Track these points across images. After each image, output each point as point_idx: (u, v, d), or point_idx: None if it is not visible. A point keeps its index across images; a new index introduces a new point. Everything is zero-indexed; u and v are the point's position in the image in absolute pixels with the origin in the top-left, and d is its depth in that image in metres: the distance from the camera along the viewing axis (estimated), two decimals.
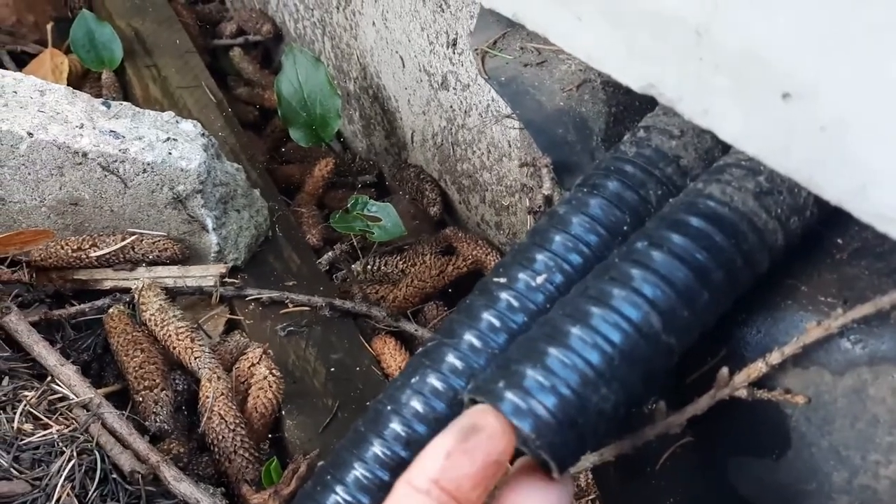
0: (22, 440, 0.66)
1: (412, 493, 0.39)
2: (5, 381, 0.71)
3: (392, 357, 0.87)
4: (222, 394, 0.76)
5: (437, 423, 0.50)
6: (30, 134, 0.80)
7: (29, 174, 0.82)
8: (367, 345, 0.89)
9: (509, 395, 0.43)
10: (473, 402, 0.46)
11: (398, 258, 1.01)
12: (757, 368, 0.49)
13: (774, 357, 0.48)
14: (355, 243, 1.02)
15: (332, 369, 0.86)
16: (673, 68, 0.46)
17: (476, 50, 0.66)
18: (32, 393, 0.70)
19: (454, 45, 0.89)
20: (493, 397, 0.44)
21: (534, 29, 0.56)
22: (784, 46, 0.40)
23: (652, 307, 0.45)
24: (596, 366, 0.44)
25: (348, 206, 0.99)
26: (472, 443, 0.40)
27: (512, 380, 0.44)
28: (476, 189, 1.00)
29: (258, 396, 0.78)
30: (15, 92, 0.84)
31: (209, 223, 0.88)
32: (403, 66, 1.03)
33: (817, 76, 0.39)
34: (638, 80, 0.49)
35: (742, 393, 0.49)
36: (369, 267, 0.99)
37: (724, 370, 0.50)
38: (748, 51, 0.42)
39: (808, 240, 0.52)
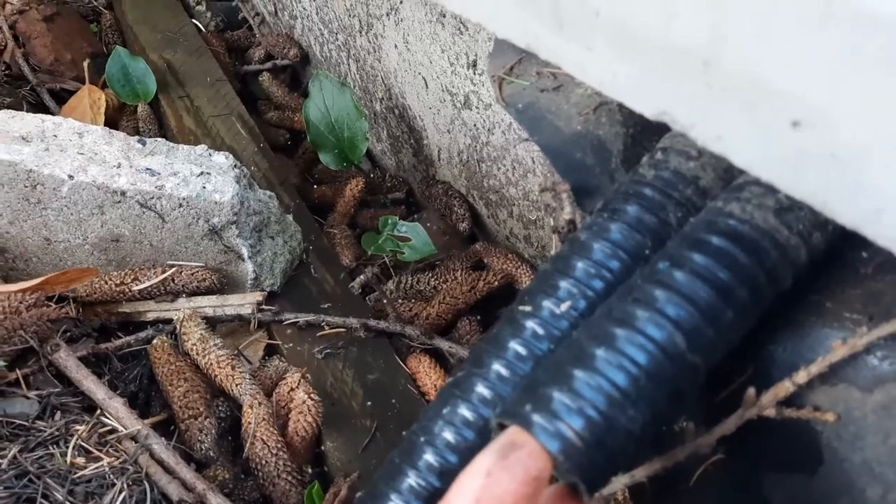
0: (75, 474, 0.69)
1: None
2: (57, 415, 0.75)
3: (427, 375, 0.88)
4: (264, 419, 0.78)
5: (468, 453, 0.51)
6: (70, 176, 0.83)
7: (71, 215, 0.85)
8: (402, 363, 0.91)
9: (537, 417, 0.44)
10: (501, 426, 0.47)
11: (430, 275, 1.02)
12: (784, 388, 0.49)
13: (801, 376, 0.48)
14: (387, 262, 1.04)
15: (370, 389, 0.87)
16: (683, 96, 0.47)
17: (493, 77, 0.67)
18: (83, 427, 0.73)
19: (474, 66, 0.90)
20: (521, 420, 0.44)
21: (546, 58, 0.57)
22: (791, 76, 0.40)
23: (676, 327, 0.46)
24: (622, 387, 0.44)
25: (378, 227, 1.01)
26: (511, 459, 0.39)
27: (539, 403, 0.45)
28: (503, 204, 1.01)
29: (298, 420, 0.80)
30: (55, 136, 0.87)
31: (245, 252, 0.91)
32: (427, 86, 1.04)
33: (826, 104, 0.39)
34: (650, 108, 0.50)
35: (770, 412, 0.50)
36: (402, 285, 1.01)
37: (751, 390, 0.50)
38: (755, 80, 0.42)
39: (832, 255, 0.52)
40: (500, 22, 0.59)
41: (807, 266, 0.51)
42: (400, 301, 1.00)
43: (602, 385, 0.45)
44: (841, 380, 0.49)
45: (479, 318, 1.00)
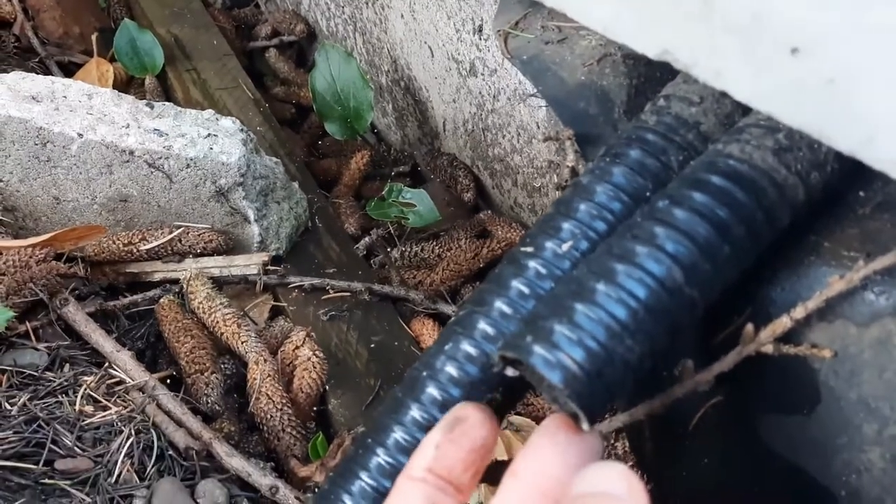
0: (84, 421, 0.70)
1: (411, 482, 0.43)
2: (66, 367, 0.76)
3: (430, 337, 0.89)
4: (269, 375, 0.79)
5: (471, 387, 0.52)
6: (80, 135, 0.84)
7: (80, 173, 0.86)
8: (406, 327, 0.92)
9: (538, 348, 0.45)
10: (504, 358, 0.48)
11: (434, 243, 1.03)
12: (782, 324, 0.50)
13: (798, 312, 0.49)
14: (392, 231, 1.05)
15: (374, 350, 0.88)
16: (685, 33, 0.48)
17: (499, 31, 0.68)
18: (91, 378, 0.74)
19: (480, 31, 0.91)
20: (522, 352, 0.45)
21: (552, 5, 0.57)
22: (790, 2, 0.41)
23: (674, 262, 0.46)
24: (621, 319, 0.45)
25: (384, 193, 1.02)
26: (457, 432, 0.44)
27: (540, 334, 0.46)
28: (508, 173, 1.02)
29: (303, 377, 0.81)
30: (65, 96, 0.88)
31: (251, 214, 0.92)
32: (432, 55, 1.05)
33: (823, 30, 0.40)
34: (653, 48, 0.50)
35: (768, 349, 0.50)
36: (406, 252, 1.02)
37: (750, 326, 0.51)
38: (755, 10, 0.43)
39: (831, 197, 0.53)
40: None
41: (805, 205, 0.52)
42: (404, 267, 1.01)
43: (602, 317, 0.46)
44: (838, 316, 0.50)
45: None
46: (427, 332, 0.90)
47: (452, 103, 1.07)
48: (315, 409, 0.82)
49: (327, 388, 0.83)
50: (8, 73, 0.92)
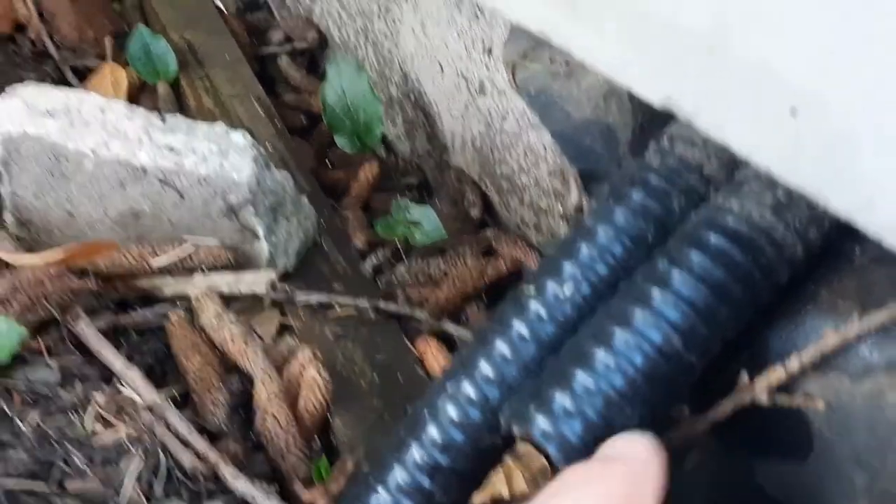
0: (94, 440, 0.71)
1: None
2: (77, 384, 0.77)
3: (434, 358, 0.90)
4: (275, 395, 0.80)
5: (471, 429, 0.53)
6: (94, 152, 0.85)
7: (94, 189, 0.87)
8: (410, 346, 0.93)
9: (539, 419, 0.48)
10: (509, 426, 0.50)
11: (440, 259, 1.04)
12: (776, 375, 0.51)
13: (793, 364, 0.50)
14: (399, 245, 1.06)
15: (378, 369, 0.89)
16: (688, 84, 0.48)
17: (507, 62, 0.69)
18: (101, 395, 0.76)
19: (490, 52, 0.92)
20: (525, 422, 0.48)
21: (558, 44, 0.58)
22: (791, 62, 0.42)
23: (673, 329, 0.48)
24: (619, 389, 0.47)
25: (391, 211, 1.03)
26: None
27: (542, 404, 0.48)
28: (515, 191, 1.03)
29: (308, 397, 0.82)
30: (79, 111, 0.89)
31: (260, 231, 0.93)
32: (442, 72, 1.05)
33: (823, 91, 0.41)
34: (656, 95, 0.51)
35: (763, 398, 0.51)
36: (412, 269, 1.03)
37: (745, 375, 0.51)
38: (758, 68, 0.43)
39: (830, 247, 0.53)
40: (515, 7, 0.60)
41: (804, 262, 0.52)
42: (409, 284, 1.02)
43: (600, 387, 0.48)
44: (832, 368, 0.50)
45: (487, 303, 1.01)
46: (431, 352, 0.91)
47: (461, 119, 1.07)
48: (319, 428, 0.84)
49: (332, 407, 0.84)
50: (23, 79, 0.93)
